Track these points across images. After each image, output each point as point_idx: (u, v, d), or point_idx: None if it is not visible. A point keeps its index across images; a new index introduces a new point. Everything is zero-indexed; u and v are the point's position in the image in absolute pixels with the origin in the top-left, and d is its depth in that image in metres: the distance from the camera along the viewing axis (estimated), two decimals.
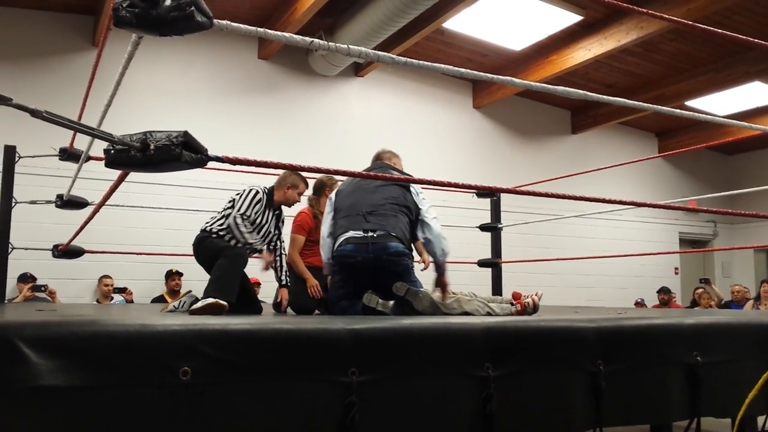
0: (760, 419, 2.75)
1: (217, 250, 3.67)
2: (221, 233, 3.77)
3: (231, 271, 3.55)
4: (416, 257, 3.73)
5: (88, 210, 4.15)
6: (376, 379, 1.83)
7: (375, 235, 3.27)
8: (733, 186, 10.69)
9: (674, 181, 11.91)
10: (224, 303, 3.31)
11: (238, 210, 3.74)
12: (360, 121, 9.02)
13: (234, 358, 1.67)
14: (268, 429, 1.70)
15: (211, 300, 3.28)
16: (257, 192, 3.86)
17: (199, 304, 3.32)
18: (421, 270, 4.21)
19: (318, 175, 4.36)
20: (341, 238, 3.33)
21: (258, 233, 3.85)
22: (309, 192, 4.35)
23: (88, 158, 3.43)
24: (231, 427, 1.65)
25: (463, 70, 2.01)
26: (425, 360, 1.93)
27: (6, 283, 4.61)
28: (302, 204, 4.36)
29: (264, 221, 3.89)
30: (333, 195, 3.64)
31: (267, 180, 4.05)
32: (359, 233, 3.29)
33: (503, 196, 5.81)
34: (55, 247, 4.74)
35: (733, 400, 2.37)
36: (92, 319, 1.71)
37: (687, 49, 8.47)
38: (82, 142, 4.01)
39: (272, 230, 3.98)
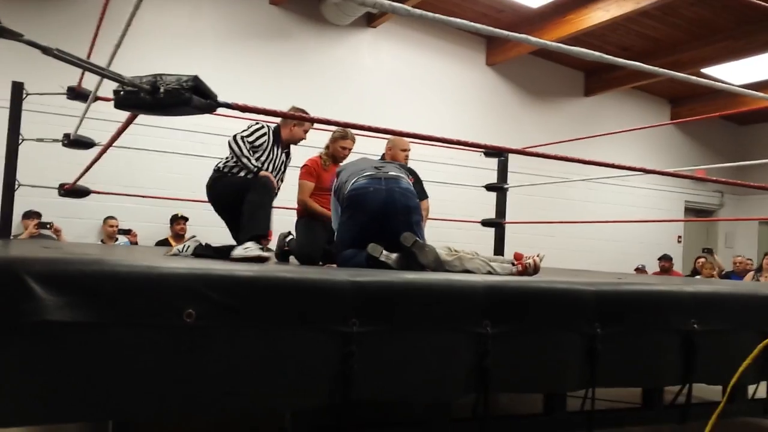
0: (751, 388, 2.80)
1: (239, 185, 3.60)
2: (236, 171, 3.70)
3: (266, 204, 3.55)
4: None
5: (95, 150, 4.16)
6: (376, 330, 1.86)
7: (388, 173, 3.37)
8: (744, 157, 10.61)
9: (684, 149, 11.82)
10: (267, 256, 3.32)
11: (240, 133, 3.70)
12: (371, 73, 8.92)
13: (237, 303, 1.69)
14: (268, 373, 1.74)
15: (253, 252, 3.28)
16: (262, 126, 3.82)
17: (240, 252, 3.31)
18: None
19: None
20: (353, 180, 3.36)
21: (269, 170, 3.81)
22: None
23: (96, 98, 3.41)
24: (232, 370, 1.69)
25: (478, 25, 1.98)
26: (426, 314, 1.96)
27: (12, 219, 4.65)
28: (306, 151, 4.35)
29: (273, 156, 3.84)
30: (336, 184, 3.65)
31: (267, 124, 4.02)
32: (372, 172, 3.37)
33: (511, 156, 5.79)
34: (61, 186, 4.76)
35: (727, 369, 2.39)
36: (99, 258, 1.73)
37: (706, 14, 8.29)
38: (89, 82, 4.00)
39: (282, 169, 3.97)
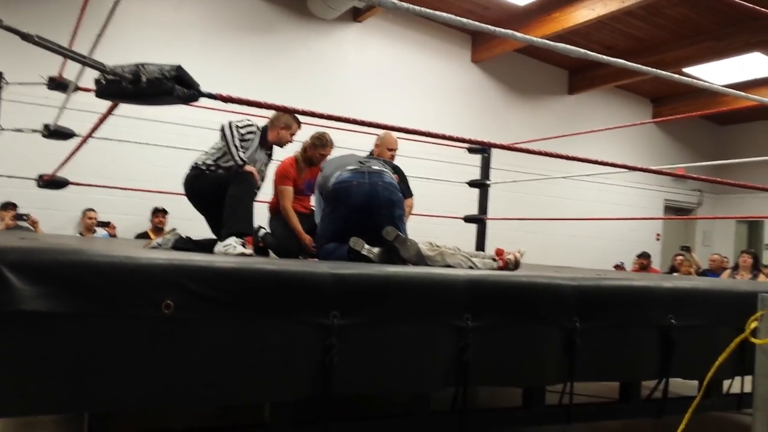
0: (726, 383, 2.83)
1: (219, 181, 3.56)
2: (214, 169, 3.66)
3: (246, 200, 3.50)
4: None
5: (75, 142, 4.11)
6: (356, 323, 1.86)
7: (372, 167, 3.37)
8: (723, 156, 10.74)
9: (665, 148, 11.94)
10: (249, 253, 3.29)
11: (235, 122, 3.66)
12: (356, 68, 8.90)
13: (217, 294, 1.68)
14: (248, 365, 1.73)
15: (235, 250, 3.24)
16: (253, 123, 3.80)
17: (221, 250, 3.28)
18: None
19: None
20: (336, 173, 3.35)
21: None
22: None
23: (77, 88, 3.37)
24: (211, 361, 1.68)
25: (464, 20, 1.98)
26: (406, 308, 1.96)
27: None
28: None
29: (257, 158, 3.83)
30: (319, 179, 3.62)
31: (258, 123, 4.00)
32: (355, 166, 3.37)
33: (494, 153, 5.81)
34: (40, 176, 4.70)
35: (703, 364, 2.42)
36: (77, 248, 1.71)
37: (690, 14, 8.37)
38: (70, 72, 3.95)
39: (264, 170, 3.95)
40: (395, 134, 4.62)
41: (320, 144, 4.27)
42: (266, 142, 3.90)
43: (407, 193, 4.78)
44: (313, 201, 4.13)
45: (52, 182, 4.70)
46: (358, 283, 1.91)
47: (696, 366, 2.54)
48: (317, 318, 1.81)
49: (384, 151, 4.53)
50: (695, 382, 2.73)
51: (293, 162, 4.31)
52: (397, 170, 4.26)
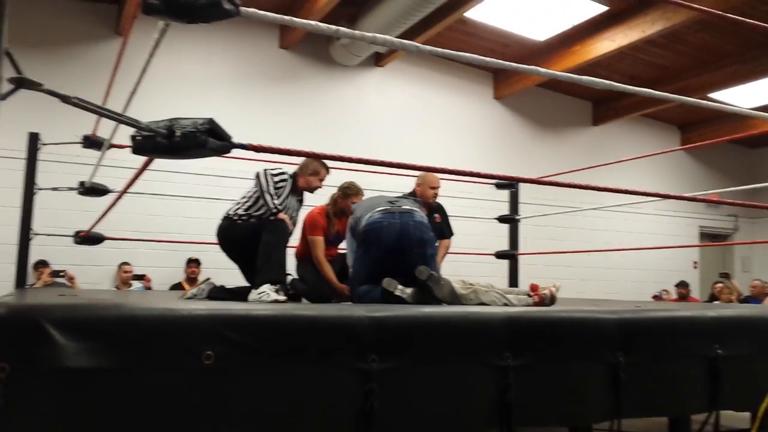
0: None
1: (252, 230, 3.60)
2: (246, 218, 3.71)
3: (280, 247, 3.54)
4: None
5: (109, 198, 4.20)
6: (395, 366, 1.85)
7: (402, 207, 3.39)
8: (756, 179, 10.51)
9: (695, 175, 11.77)
10: (283, 300, 3.32)
11: (270, 170, 3.74)
12: (380, 111, 9.01)
13: (256, 343, 1.69)
14: (288, 414, 1.72)
15: (269, 297, 3.27)
16: (285, 172, 3.86)
17: (255, 298, 3.31)
18: None
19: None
20: (367, 215, 3.37)
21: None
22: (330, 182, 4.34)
23: (111, 146, 3.46)
24: (252, 411, 1.68)
25: (486, 59, 2.00)
26: (445, 348, 1.94)
27: (27, 269, 4.68)
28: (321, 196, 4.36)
29: (288, 205, 3.87)
30: (351, 222, 3.63)
31: (289, 170, 4.06)
32: (386, 207, 3.39)
33: (522, 188, 5.79)
34: (77, 233, 4.80)
35: (753, 394, 2.35)
36: (118, 303, 1.74)
37: (713, 40, 8.34)
38: (104, 130, 4.06)
39: (295, 217, 3.98)
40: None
41: (351, 193, 4.24)
42: (297, 188, 3.95)
43: (448, 233, 4.79)
44: (343, 244, 4.13)
45: (88, 238, 4.80)
46: (395, 325, 1.90)
47: (746, 397, 2.46)
48: (356, 363, 1.80)
49: (426, 190, 4.53)
50: (747, 414, 2.64)
51: (323, 212, 4.26)
52: (440, 209, 4.30)
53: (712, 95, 9.38)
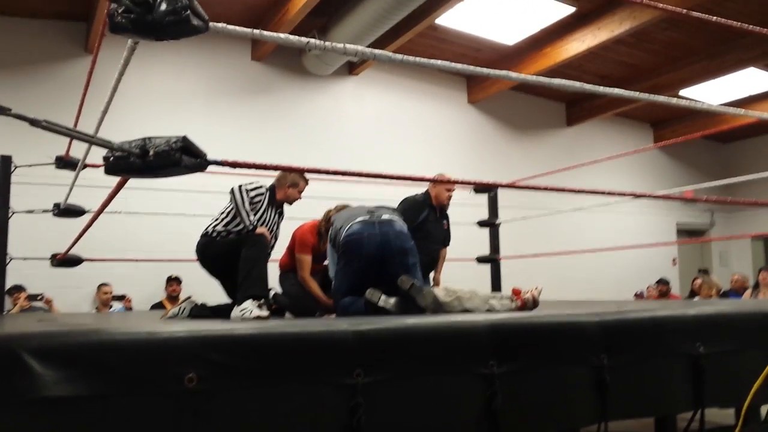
0: (764, 408, 2.76)
1: (230, 246, 3.58)
2: (225, 234, 3.68)
3: (260, 262, 3.50)
4: None
5: (85, 218, 4.13)
6: (381, 379, 1.83)
7: (381, 217, 3.38)
8: (730, 174, 10.67)
9: (670, 171, 11.92)
10: (266, 315, 3.28)
11: (245, 185, 3.70)
12: (355, 120, 9.01)
13: (239, 363, 1.66)
14: None
15: (251, 314, 3.25)
16: (261, 186, 3.82)
17: (238, 315, 3.29)
18: None
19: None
20: (347, 226, 3.36)
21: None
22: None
23: (85, 166, 3.41)
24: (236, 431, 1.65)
25: (458, 65, 2.00)
26: (430, 359, 1.93)
27: (3, 295, 4.59)
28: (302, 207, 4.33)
29: (268, 218, 3.84)
30: (331, 233, 3.61)
31: (265, 183, 4.03)
32: (365, 217, 3.38)
33: (500, 191, 5.82)
34: (53, 256, 4.72)
35: (737, 390, 2.37)
36: (98, 328, 1.70)
37: (680, 37, 8.47)
38: (77, 150, 4.00)
39: (275, 230, 3.95)
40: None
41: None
42: (275, 201, 3.92)
43: (448, 242, 4.81)
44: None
45: (65, 261, 4.72)
46: (380, 338, 1.89)
47: (730, 393, 2.48)
48: (342, 378, 1.78)
49: (442, 192, 4.53)
50: (732, 411, 2.66)
51: (313, 228, 4.15)
52: (447, 216, 4.33)
53: (683, 92, 9.52)
